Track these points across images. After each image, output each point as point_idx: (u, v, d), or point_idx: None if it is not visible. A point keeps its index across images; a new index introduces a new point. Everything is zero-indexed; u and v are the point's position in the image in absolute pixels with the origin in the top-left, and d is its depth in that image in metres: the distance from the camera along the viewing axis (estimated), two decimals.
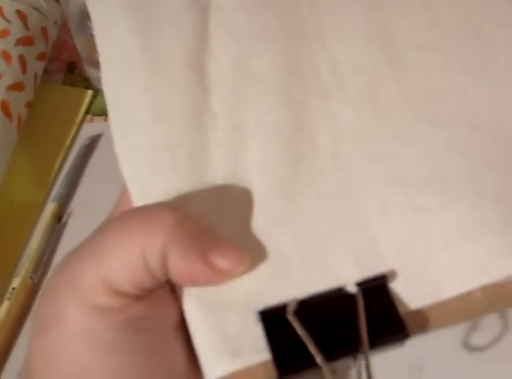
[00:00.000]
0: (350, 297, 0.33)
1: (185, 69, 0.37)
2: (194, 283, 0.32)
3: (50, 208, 0.58)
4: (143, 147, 0.36)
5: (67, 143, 0.63)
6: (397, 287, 0.33)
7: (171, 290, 0.33)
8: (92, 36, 0.62)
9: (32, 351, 0.31)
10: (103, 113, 0.66)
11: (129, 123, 0.37)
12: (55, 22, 0.70)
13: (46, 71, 0.68)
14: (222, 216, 0.34)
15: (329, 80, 0.38)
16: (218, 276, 0.31)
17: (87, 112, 0.66)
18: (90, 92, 0.67)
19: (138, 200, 0.35)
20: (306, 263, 0.34)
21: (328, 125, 0.37)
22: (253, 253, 0.33)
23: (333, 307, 0.33)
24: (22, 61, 0.63)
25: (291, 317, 0.31)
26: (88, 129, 0.64)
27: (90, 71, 0.67)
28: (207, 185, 0.35)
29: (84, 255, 0.31)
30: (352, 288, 0.33)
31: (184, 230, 0.31)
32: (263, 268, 0.33)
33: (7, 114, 0.59)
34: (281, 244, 0.34)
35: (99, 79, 0.67)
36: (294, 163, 0.36)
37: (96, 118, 0.66)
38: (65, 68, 0.71)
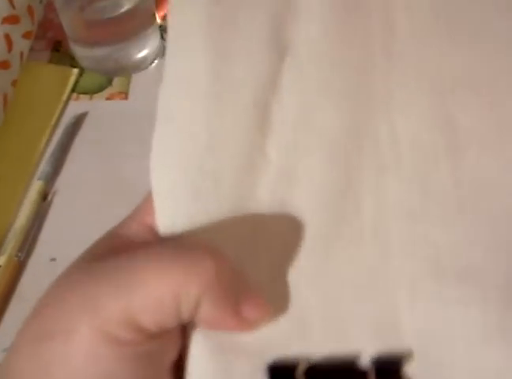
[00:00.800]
0: (362, 372, 0.32)
1: (249, 106, 0.37)
2: (219, 328, 0.32)
3: (35, 186, 0.58)
4: (187, 168, 0.36)
5: (53, 121, 0.63)
6: (410, 372, 0.33)
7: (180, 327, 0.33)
8: (77, 14, 0.63)
9: (22, 358, 0.31)
10: (89, 91, 0.66)
11: (177, 140, 0.37)
12: (41, 1, 0.70)
13: (32, 49, 0.68)
14: (254, 258, 0.34)
15: (386, 153, 0.38)
16: (245, 326, 0.32)
17: (73, 90, 0.66)
18: (76, 71, 0.67)
19: (165, 219, 0.35)
20: (327, 325, 0.34)
21: (376, 196, 0.37)
22: (276, 302, 0.33)
23: (343, 378, 0.33)
24: (8, 39, 0.63)
25: (300, 378, 0.32)
26: (74, 108, 0.64)
27: (76, 49, 0.67)
28: (245, 223, 0.35)
29: (109, 282, 0.31)
30: (366, 363, 0.33)
31: (221, 278, 0.31)
32: (283, 321, 0.33)
33: None
34: (307, 300, 0.34)
35: (84, 57, 0.67)
36: (335, 224, 0.36)
37: (81, 96, 0.66)
38: (51, 46, 0.70)
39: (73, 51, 0.68)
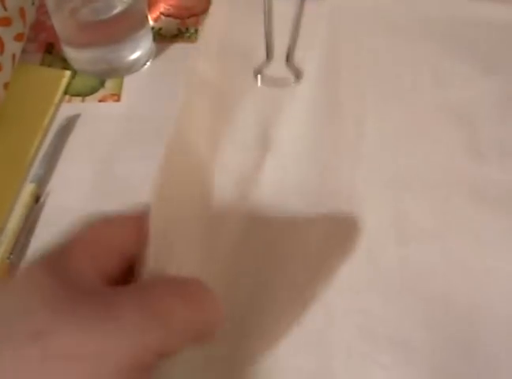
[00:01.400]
0: None
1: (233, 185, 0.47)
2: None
3: (28, 188, 0.58)
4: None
5: (45, 123, 0.63)
6: None
7: None
8: (69, 16, 0.62)
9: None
10: (81, 93, 0.65)
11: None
12: (33, 3, 0.70)
13: (24, 52, 0.68)
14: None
15: None
16: None
17: (65, 92, 0.66)
18: (68, 73, 0.67)
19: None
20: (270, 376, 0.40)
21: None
22: (229, 351, 0.40)
23: None
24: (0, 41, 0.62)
25: None
26: (66, 110, 0.64)
27: (68, 51, 0.67)
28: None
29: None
30: None
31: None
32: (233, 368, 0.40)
33: None
34: (257, 352, 0.40)
35: (76, 59, 0.67)
36: (285, 291, 0.43)
37: (73, 98, 0.65)
38: (43, 48, 0.70)
39: (65, 53, 0.68)
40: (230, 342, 0.40)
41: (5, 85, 0.63)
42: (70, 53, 0.67)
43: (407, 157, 0.50)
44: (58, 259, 0.34)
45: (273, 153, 0.50)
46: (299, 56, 0.63)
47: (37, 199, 0.57)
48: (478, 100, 0.55)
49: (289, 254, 0.44)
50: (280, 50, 0.63)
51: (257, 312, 0.42)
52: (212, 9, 0.66)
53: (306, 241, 0.45)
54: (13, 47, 0.65)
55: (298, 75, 0.60)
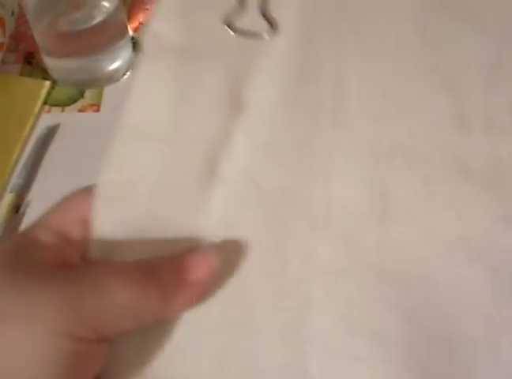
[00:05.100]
0: None
1: (200, 159, 0.41)
2: None
3: (7, 198, 0.58)
4: (133, 210, 0.39)
5: (25, 133, 0.63)
6: None
7: None
8: (49, 26, 0.63)
9: None
10: (61, 103, 0.65)
11: (126, 181, 0.40)
12: (13, 13, 0.70)
13: (3, 62, 0.68)
14: None
15: (318, 214, 0.42)
16: None
17: (45, 103, 0.66)
18: (48, 83, 0.67)
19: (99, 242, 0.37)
20: (242, 374, 0.37)
21: (304, 252, 0.40)
22: (195, 346, 0.37)
23: None
24: None
25: None
26: (46, 120, 0.64)
27: (48, 61, 0.67)
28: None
29: (84, 286, 0.32)
30: None
31: None
32: (203, 366, 0.37)
33: None
34: (224, 348, 0.38)
35: (56, 69, 0.67)
36: (263, 275, 0.39)
37: (53, 108, 0.65)
38: (23, 58, 0.70)
39: (45, 63, 0.68)
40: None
41: None
42: (50, 63, 0.67)
43: (389, 126, 0.46)
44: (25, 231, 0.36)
45: (245, 116, 0.45)
46: (274, 10, 0.58)
47: (17, 209, 0.58)
48: (467, 65, 0.49)
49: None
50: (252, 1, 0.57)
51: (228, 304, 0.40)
52: None
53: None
54: None
55: (273, 25, 0.54)
